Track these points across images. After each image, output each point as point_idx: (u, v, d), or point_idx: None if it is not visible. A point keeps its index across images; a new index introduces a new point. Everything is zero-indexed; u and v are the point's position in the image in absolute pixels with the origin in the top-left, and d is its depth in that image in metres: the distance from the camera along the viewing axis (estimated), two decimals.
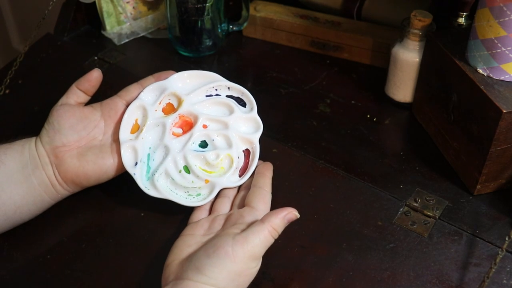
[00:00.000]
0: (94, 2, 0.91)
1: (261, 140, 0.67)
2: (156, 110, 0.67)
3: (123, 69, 0.86)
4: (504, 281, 0.56)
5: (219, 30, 0.90)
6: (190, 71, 0.70)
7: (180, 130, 0.67)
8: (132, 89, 0.68)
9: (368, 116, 0.78)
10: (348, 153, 0.72)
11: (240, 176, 0.65)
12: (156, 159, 0.65)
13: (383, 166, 0.70)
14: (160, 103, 0.67)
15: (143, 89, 0.68)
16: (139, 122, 0.67)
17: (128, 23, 0.94)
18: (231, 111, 0.68)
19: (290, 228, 0.62)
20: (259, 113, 0.72)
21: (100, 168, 0.64)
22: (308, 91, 0.83)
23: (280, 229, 0.55)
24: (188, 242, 0.57)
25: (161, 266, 0.56)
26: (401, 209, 0.64)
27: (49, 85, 0.84)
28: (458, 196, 0.66)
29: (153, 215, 0.65)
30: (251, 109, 0.69)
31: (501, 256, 0.53)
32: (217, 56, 0.91)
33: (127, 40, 0.93)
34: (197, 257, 0.53)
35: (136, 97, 0.67)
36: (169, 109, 0.68)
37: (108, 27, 0.93)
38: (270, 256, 0.59)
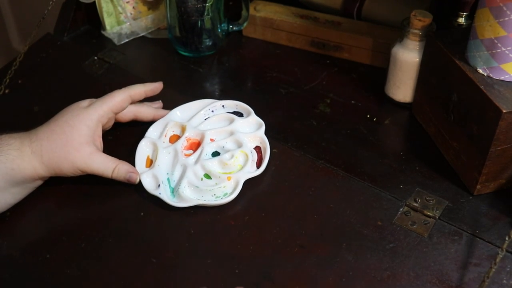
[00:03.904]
0: (94, 2, 0.91)
1: None
2: (164, 142, 0.71)
3: (123, 69, 0.86)
4: (504, 281, 0.56)
5: (219, 30, 0.90)
6: (185, 104, 0.75)
7: (190, 151, 0.70)
8: (116, 94, 0.70)
9: (368, 116, 0.78)
10: (348, 153, 0.72)
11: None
12: (176, 178, 0.67)
13: (383, 166, 0.70)
14: (165, 136, 0.72)
15: (150, 127, 0.72)
16: (151, 157, 0.70)
17: (128, 23, 0.94)
18: (232, 121, 0.72)
19: (290, 228, 0.62)
20: (259, 113, 0.72)
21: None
22: (308, 91, 0.83)
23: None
24: None
25: (160, 266, 0.56)
26: (401, 209, 0.64)
27: (49, 85, 0.84)
28: (458, 196, 0.66)
29: (153, 215, 0.65)
30: (249, 114, 0.74)
31: (501, 256, 0.53)
32: (217, 56, 0.91)
33: (127, 40, 0.93)
34: None
35: (144, 136, 0.71)
36: (175, 139, 0.72)
37: (108, 27, 0.93)
38: (270, 256, 0.59)
